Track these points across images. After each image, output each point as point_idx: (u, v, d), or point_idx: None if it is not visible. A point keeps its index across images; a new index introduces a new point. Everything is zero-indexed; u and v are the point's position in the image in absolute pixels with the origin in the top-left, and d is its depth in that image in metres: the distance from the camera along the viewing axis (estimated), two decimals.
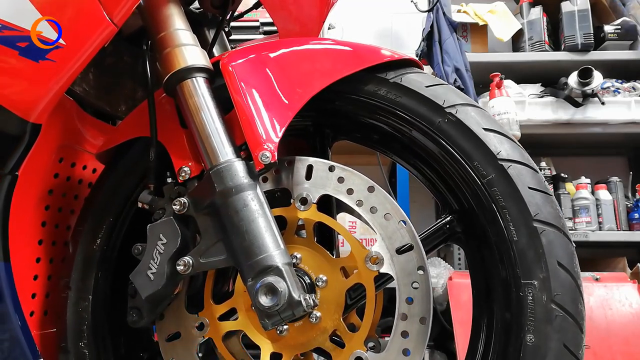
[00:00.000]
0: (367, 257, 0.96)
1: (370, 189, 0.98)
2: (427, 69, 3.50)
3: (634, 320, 2.45)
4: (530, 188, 0.94)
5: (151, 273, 0.95)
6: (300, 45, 1.09)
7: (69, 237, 1.17)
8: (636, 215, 3.13)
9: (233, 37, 1.50)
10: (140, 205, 1.03)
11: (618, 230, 3.12)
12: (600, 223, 3.12)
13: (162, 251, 0.96)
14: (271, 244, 0.89)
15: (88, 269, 1.09)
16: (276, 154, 0.94)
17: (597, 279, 2.59)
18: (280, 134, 0.96)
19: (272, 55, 1.07)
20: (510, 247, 0.92)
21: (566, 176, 3.23)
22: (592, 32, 3.24)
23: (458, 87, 3.09)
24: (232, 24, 1.50)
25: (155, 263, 0.96)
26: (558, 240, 0.90)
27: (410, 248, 0.95)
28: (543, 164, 3.29)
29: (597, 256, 3.21)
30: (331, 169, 1.02)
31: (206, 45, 1.32)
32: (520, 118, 3.08)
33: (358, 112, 1.10)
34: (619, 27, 3.27)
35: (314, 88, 1.02)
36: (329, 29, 3.76)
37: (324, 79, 1.03)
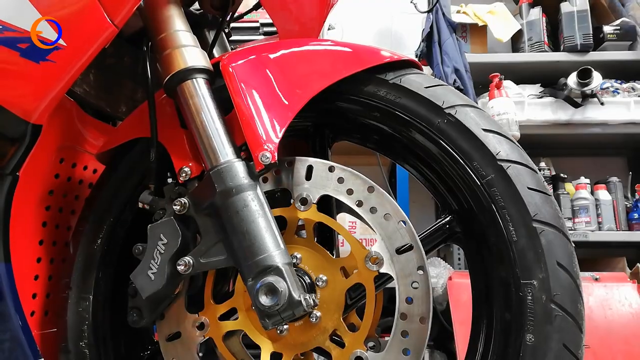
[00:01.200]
0: (367, 257, 0.96)
1: (370, 190, 0.99)
2: (427, 69, 3.50)
3: (634, 320, 2.45)
4: (529, 188, 0.94)
5: (152, 273, 0.96)
6: (300, 46, 1.10)
7: (70, 237, 1.17)
8: (635, 215, 3.13)
9: (233, 38, 1.51)
10: (140, 205, 1.03)
11: (617, 231, 3.12)
12: (599, 223, 3.12)
13: (162, 251, 0.96)
14: (271, 244, 0.90)
15: (88, 269, 1.10)
16: (276, 154, 0.94)
17: (596, 279, 2.59)
18: (280, 135, 0.97)
19: (272, 56, 1.07)
20: (509, 247, 0.92)
21: (565, 176, 3.23)
22: (591, 32, 3.24)
23: (457, 88, 3.10)
24: (232, 25, 1.51)
25: (156, 263, 0.96)
26: (557, 240, 0.91)
27: (410, 248, 0.96)
28: (542, 164, 3.30)
29: (597, 256, 3.21)
30: (331, 169, 1.02)
31: (206, 47, 1.32)
32: (520, 118, 3.08)
33: (358, 112, 1.10)
34: (618, 27, 3.27)
35: (313, 89, 1.02)
36: (328, 29, 3.76)
37: (324, 80, 1.03)
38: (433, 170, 1.06)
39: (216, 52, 1.37)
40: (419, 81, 1.05)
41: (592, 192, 3.20)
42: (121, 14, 0.99)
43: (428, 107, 1.02)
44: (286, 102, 1.01)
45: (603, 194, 3.16)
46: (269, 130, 0.96)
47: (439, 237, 1.07)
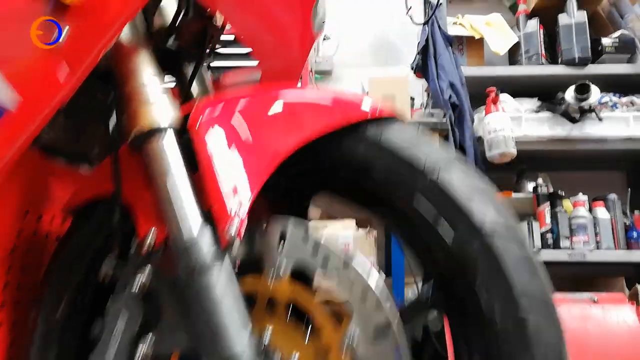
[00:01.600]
0: (342, 341, 0.89)
1: (346, 264, 0.92)
2: (422, 82, 3.44)
3: (632, 342, 2.42)
4: (515, 261, 0.87)
5: (110, 355, 0.89)
6: (276, 98, 1.03)
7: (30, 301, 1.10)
8: (634, 234, 3.07)
9: (224, 64, 1.46)
10: (101, 279, 0.96)
11: (616, 250, 3.06)
12: (597, 242, 3.06)
13: (122, 330, 0.90)
14: (236, 331, 0.83)
15: (47, 344, 1.03)
16: (243, 228, 0.87)
17: (594, 301, 2.57)
18: (248, 204, 0.90)
19: (243, 109, 1.00)
20: (491, 328, 0.85)
21: (563, 194, 3.17)
22: (589, 45, 3.18)
23: (453, 104, 3.04)
24: (223, 50, 1.46)
25: (115, 344, 0.89)
26: (545, 322, 0.84)
27: (389, 326, 0.89)
28: (540, 180, 3.23)
29: (595, 276, 3.16)
30: (306, 235, 0.95)
31: (185, 80, 1.26)
32: (517, 134, 3.03)
33: (337, 169, 1.03)
34: (617, 40, 3.22)
35: (287, 148, 0.95)
36: (324, 39, 3.70)
37: (300, 137, 0.96)
38: (414, 235, 1.00)
39: (196, 86, 1.31)
40: (400, 139, 0.98)
41: (590, 210, 3.13)
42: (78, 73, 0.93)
43: (408, 169, 0.95)
44: (258, 163, 0.94)
45: (601, 211, 3.10)
46: (237, 199, 0.90)
47: (420, 309, 1.00)
